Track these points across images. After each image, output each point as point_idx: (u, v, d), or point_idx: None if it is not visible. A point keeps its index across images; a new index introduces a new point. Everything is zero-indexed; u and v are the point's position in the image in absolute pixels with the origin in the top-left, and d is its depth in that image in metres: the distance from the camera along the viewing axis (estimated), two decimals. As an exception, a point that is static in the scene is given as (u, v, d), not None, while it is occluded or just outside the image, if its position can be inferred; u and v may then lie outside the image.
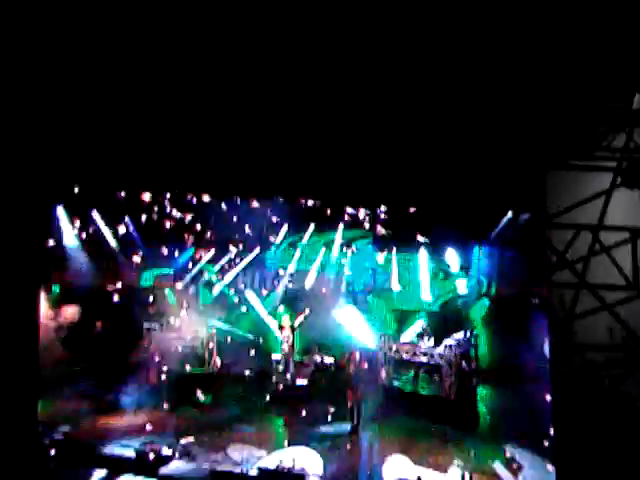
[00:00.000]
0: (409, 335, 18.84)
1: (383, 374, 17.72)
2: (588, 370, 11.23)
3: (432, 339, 17.83)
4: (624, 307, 11.00)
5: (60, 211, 17.65)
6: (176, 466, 13.38)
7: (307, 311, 18.26)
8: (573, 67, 10.60)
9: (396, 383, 17.70)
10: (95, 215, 18.40)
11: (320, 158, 11.88)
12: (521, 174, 11.39)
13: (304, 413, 16.55)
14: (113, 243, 18.98)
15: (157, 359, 17.56)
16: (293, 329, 18.16)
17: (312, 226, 19.82)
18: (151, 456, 13.27)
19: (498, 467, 13.67)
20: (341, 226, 19.37)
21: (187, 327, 19.09)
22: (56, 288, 18.38)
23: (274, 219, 19.31)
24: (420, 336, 18.32)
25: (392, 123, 11.27)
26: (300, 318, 18.48)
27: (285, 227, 19.87)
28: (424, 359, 17.39)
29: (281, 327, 18.28)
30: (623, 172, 10.93)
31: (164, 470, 13.20)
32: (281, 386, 17.74)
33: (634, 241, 11.09)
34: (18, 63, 10.73)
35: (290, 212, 18.53)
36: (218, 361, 19.16)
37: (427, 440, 15.09)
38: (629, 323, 10.97)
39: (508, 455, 14.08)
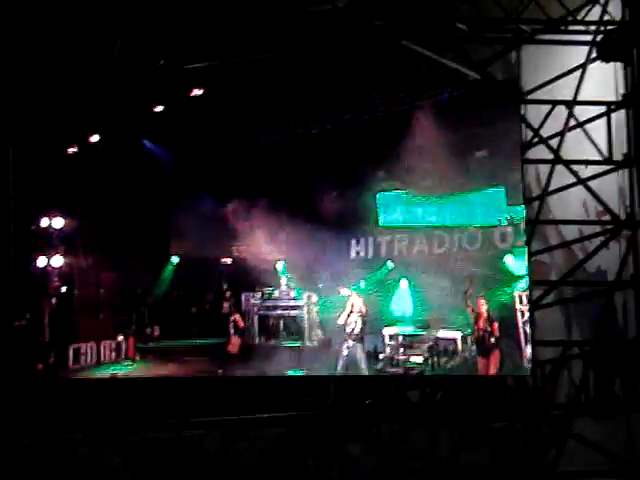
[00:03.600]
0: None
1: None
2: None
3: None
4: (598, 181, 11.02)
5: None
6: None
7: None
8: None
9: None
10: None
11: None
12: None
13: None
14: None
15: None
16: (364, 316, 13.57)
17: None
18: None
19: None
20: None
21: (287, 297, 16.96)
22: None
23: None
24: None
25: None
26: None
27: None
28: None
29: (351, 311, 13.64)
30: (598, 45, 10.80)
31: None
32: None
33: (609, 115, 10.99)
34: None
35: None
36: (319, 333, 16.41)
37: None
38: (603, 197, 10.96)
39: None
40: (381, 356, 14.18)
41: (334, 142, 15.67)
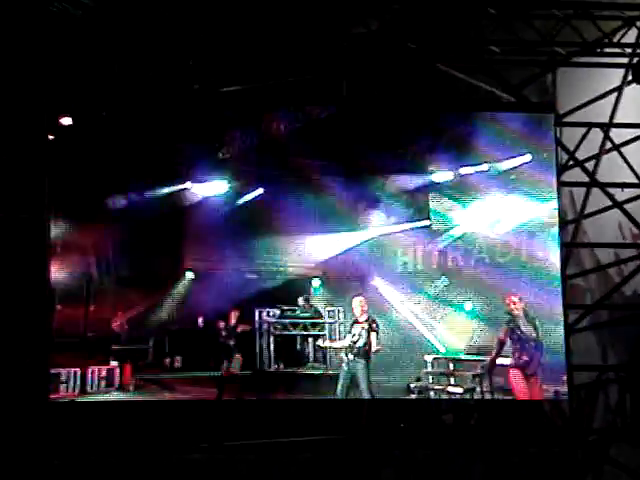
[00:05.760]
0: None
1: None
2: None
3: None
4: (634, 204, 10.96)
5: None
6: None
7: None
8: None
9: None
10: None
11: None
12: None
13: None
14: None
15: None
16: (372, 325, 11.53)
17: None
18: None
19: None
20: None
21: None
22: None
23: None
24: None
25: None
26: None
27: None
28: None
29: (355, 321, 11.72)
30: (634, 68, 10.81)
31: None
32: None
33: (645, 138, 10.95)
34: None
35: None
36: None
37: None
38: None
39: None
40: (412, 386, 11.85)
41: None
